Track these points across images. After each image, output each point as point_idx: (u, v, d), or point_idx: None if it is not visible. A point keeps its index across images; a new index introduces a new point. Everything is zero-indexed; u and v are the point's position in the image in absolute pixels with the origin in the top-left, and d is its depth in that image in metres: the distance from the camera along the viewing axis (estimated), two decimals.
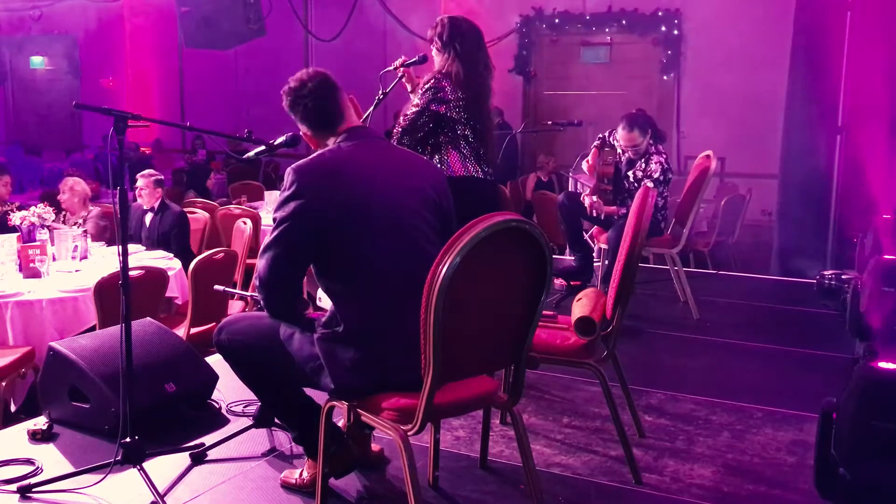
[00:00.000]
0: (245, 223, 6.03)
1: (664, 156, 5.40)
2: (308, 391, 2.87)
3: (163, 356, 3.59)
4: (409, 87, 4.30)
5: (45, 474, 3.03)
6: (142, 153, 11.79)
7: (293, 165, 2.56)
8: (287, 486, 2.98)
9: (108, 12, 13.62)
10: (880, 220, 5.40)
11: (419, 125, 3.92)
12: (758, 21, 9.11)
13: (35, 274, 4.78)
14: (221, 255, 5.10)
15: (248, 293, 3.49)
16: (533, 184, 9.66)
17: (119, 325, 2.93)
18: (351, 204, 2.53)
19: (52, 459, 3.19)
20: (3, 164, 7.23)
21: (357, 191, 2.55)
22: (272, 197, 7.85)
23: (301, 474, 2.97)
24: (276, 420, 3.30)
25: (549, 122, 7.41)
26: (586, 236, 6.05)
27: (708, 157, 5.57)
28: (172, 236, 5.97)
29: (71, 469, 3.04)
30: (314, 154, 2.67)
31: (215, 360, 3.64)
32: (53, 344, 3.53)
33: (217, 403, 3.71)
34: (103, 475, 2.92)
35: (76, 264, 5.04)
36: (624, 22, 10.22)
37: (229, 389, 3.69)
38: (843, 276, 4.75)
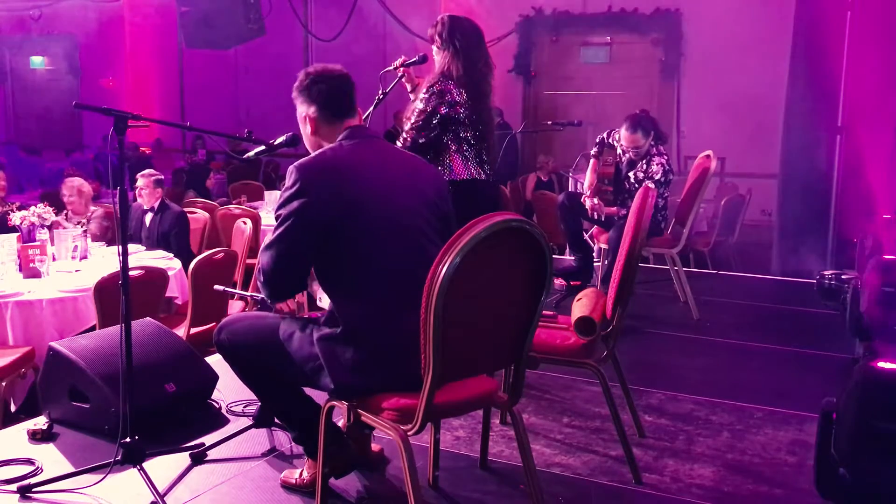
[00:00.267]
0: (245, 223, 6.03)
1: (665, 157, 5.40)
2: (308, 391, 2.87)
3: (163, 356, 3.59)
4: (409, 87, 4.30)
5: (45, 474, 3.03)
6: (142, 153, 11.78)
7: (296, 163, 2.56)
8: (287, 486, 2.98)
9: (108, 12, 13.61)
10: (880, 220, 5.40)
11: (430, 129, 3.92)
12: (758, 21, 9.11)
13: (35, 274, 4.78)
14: (221, 255, 5.10)
15: (248, 293, 3.49)
16: (533, 184, 9.66)
17: (119, 325, 2.93)
18: (352, 202, 2.53)
19: (52, 459, 3.18)
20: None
21: (358, 189, 2.55)
22: (272, 197, 7.86)
23: (301, 474, 2.97)
24: (276, 420, 3.30)
25: (549, 122, 7.41)
26: (586, 236, 6.05)
27: (708, 157, 5.57)
28: (172, 236, 5.97)
29: (71, 469, 3.04)
30: (316, 152, 2.67)
31: (215, 360, 3.64)
32: (53, 344, 3.53)
33: (217, 403, 3.71)
34: (103, 475, 2.92)
35: (76, 264, 5.04)
36: (624, 22, 10.22)
37: (229, 389, 3.69)
38: (843, 276, 4.75)
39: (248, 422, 3.42)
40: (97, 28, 13.72)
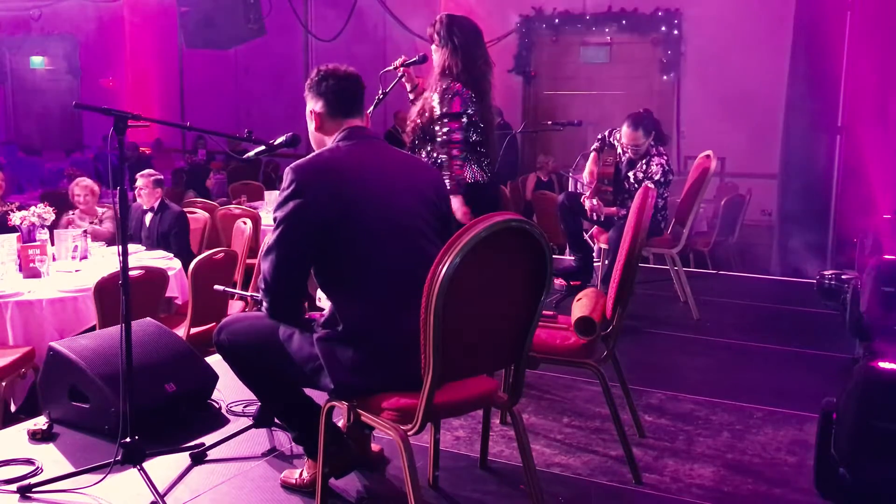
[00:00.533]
0: (245, 223, 6.03)
1: (665, 157, 5.40)
2: (308, 391, 2.87)
3: (163, 356, 3.59)
4: (408, 87, 4.31)
5: (45, 474, 3.03)
6: (142, 153, 11.78)
7: (292, 165, 2.56)
8: (287, 486, 2.98)
9: (108, 12, 13.61)
10: (880, 221, 5.41)
11: (470, 135, 3.95)
12: (758, 21, 9.11)
13: (35, 274, 4.78)
14: (221, 255, 5.10)
15: (248, 293, 3.49)
16: (533, 184, 9.66)
17: (119, 325, 2.93)
18: (350, 203, 2.53)
19: (52, 459, 3.18)
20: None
21: (356, 190, 2.55)
22: (272, 197, 7.86)
23: (301, 474, 2.97)
24: (276, 420, 3.30)
25: (549, 122, 7.41)
26: (586, 236, 6.05)
27: (708, 157, 5.57)
28: (172, 236, 5.97)
29: (71, 469, 3.04)
30: (313, 154, 2.68)
31: (215, 360, 3.64)
32: (53, 344, 3.53)
33: (217, 403, 3.71)
34: (103, 475, 2.92)
35: (76, 264, 5.04)
36: (624, 22, 10.22)
37: (229, 389, 3.69)
38: (843, 276, 4.76)
39: (248, 422, 3.42)
40: (97, 28, 13.72)
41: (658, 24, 10.06)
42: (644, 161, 5.36)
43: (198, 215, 6.75)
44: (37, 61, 14.88)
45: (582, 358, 3.14)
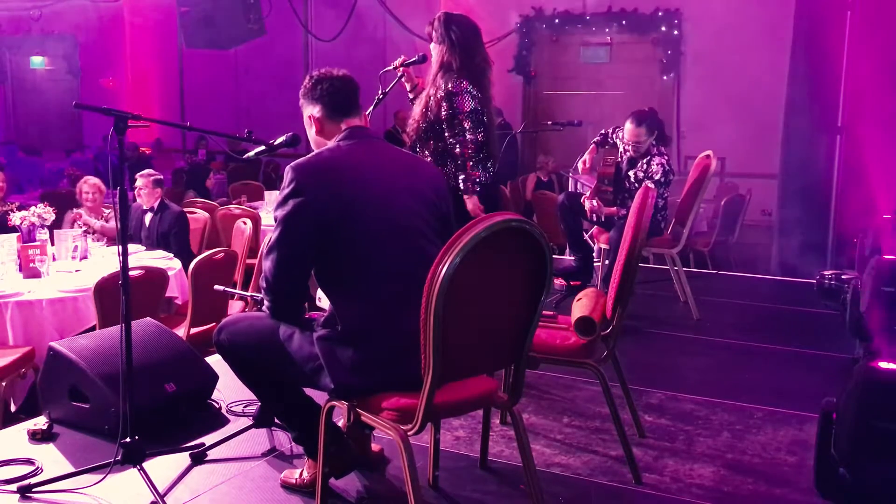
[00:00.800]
0: (245, 223, 6.03)
1: (666, 157, 5.40)
2: (308, 391, 2.87)
3: (163, 356, 3.59)
4: (408, 87, 4.31)
5: (45, 474, 3.03)
6: (142, 153, 11.78)
7: (292, 164, 2.56)
8: (287, 486, 2.98)
9: (108, 12, 13.61)
10: (880, 221, 5.40)
11: (482, 124, 3.96)
12: (758, 21, 9.11)
13: (35, 274, 4.78)
14: (221, 255, 5.10)
15: (248, 293, 3.49)
16: (533, 184, 9.66)
17: (119, 325, 2.93)
18: (350, 202, 2.53)
19: (52, 459, 3.18)
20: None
21: (356, 189, 2.55)
22: (272, 197, 7.86)
23: (301, 474, 2.97)
24: (276, 420, 3.30)
25: (549, 122, 7.42)
26: (586, 236, 6.05)
27: (708, 157, 5.57)
28: (172, 236, 5.97)
29: (71, 469, 3.04)
30: (313, 153, 2.68)
31: (215, 360, 3.64)
32: (53, 344, 3.53)
33: (217, 403, 3.71)
34: (103, 475, 2.92)
35: (76, 264, 5.04)
36: (624, 22, 10.22)
37: (229, 389, 3.69)
38: (843, 276, 4.75)
39: (248, 422, 3.42)
40: (97, 28, 13.72)
41: (658, 24, 10.06)
42: (645, 160, 5.36)
43: (198, 215, 6.75)
44: (37, 61, 14.88)
45: (582, 358, 3.14)
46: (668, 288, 5.86)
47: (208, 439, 3.31)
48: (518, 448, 2.65)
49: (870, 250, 5.21)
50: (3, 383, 4.14)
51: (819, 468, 2.88)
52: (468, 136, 3.97)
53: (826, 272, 4.97)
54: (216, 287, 3.46)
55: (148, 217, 6.11)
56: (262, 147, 3.19)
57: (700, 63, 9.80)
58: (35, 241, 5.02)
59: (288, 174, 2.55)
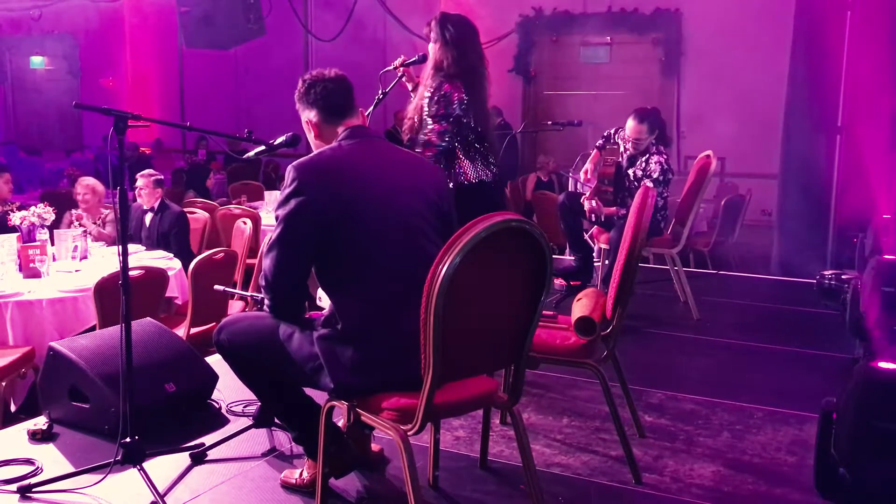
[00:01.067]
0: (245, 223, 6.03)
1: (665, 156, 5.40)
2: (308, 391, 2.87)
3: (163, 356, 3.59)
4: (409, 87, 4.31)
5: (45, 474, 3.03)
6: (142, 153, 11.78)
7: (294, 163, 2.56)
8: (287, 486, 2.98)
9: (108, 12, 13.60)
10: (880, 220, 5.40)
11: (452, 137, 3.95)
12: (757, 21, 9.11)
13: (35, 274, 4.78)
14: (221, 255, 5.10)
15: (248, 293, 3.49)
16: (533, 184, 9.66)
17: (119, 325, 2.93)
18: (350, 202, 2.53)
19: (52, 459, 3.19)
20: (2, 164, 7.25)
21: (356, 189, 2.55)
22: (272, 197, 7.86)
23: (301, 474, 2.97)
24: (276, 420, 3.30)
25: (549, 122, 7.41)
26: (586, 236, 6.05)
27: (708, 157, 5.58)
28: (172, 236, 5.97)
29: (71, 469, 3.04)
30: (315, 152, 2.68)
31: (215, 360, 3.64)
32: (53, 344, 3.53)
33: (217, 403, 3.71)
34: (103, 475, 2.92)
35: (76, 264, 5.04)
36: (624, 22, 10.22)
37: (229, 389, 3.69)
38: (843, 276, 4.75)
39: (248, 422, 3.42)
40: (97, 28, 13.72)
41: (658, 24, 10.06)
42: (644, 158, 5.37)
43: (198, 215, 6.75)
44: (37, 61, 14.88)
45: (582, 358, 3.14)
46: (668, 288, 5.86)
47: (208, 439, 3.31)
48: (518, 448, 2.65)
49: (870, 250, 5.22)
50: (3, 383, 4.14)
51: (819, 468, 2.88)
52: (433, 139, 3.96)
53: (826, 272, 4.97)
54: (216, 287, 3.46)
55: (148, 217, 6.11)
56: (262, 147, 3.20)
57: (700, 63, 9.80)
58: (35, 241, 5.02)
59: (289, 173, 2.55)
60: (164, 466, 3.10)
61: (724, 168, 9.07)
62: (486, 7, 9.88)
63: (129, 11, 13.49)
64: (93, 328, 4.30)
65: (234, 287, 5.24)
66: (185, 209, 6.56)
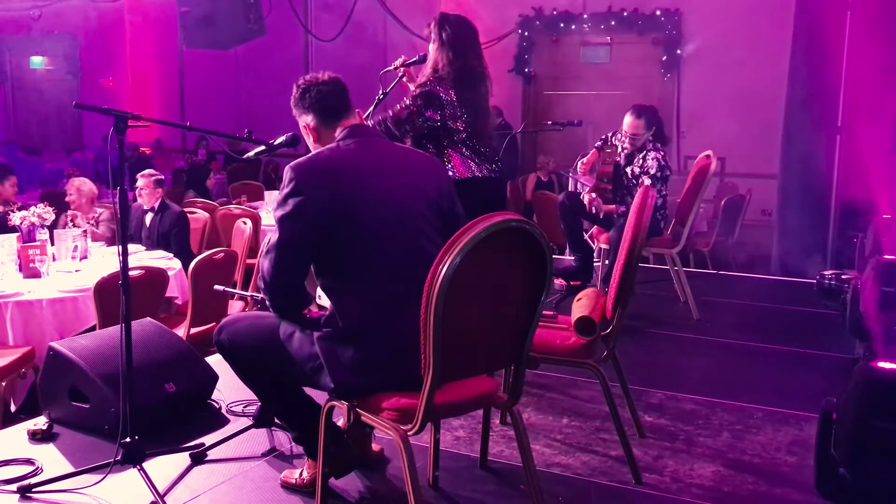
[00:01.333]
0: (245, 223, 6.03)
1: (662, 153, 5.41)
2: (308, 391, 2.87)
3: (163, 356, 3.59)
4: (410, 87, 4.31)
5: (45, 474, 3.03)
6: (142, 153, 11.78)
7: (292, 163, 2.56)
8: (287, 486, 2.98)
9: (108, 12, 13.61)
10: (880, 220, 5.41)
11: (411, 124, 3.96)
12: (757, 21, 9.11)
13: (35, 274, 4.78)
14: (221, 255, 5.10)
15: (248, 293, 3.49)
16: (533, 184, 9.67)
17: (119, 325, 2.93)
18: (350, 201, 2.53)
19: (52, 459, 3.19)
20: (8, 166, 7.25)
21: (355, 188, 2.55)
22: (272, 197, 7.85)
23: (301, 474, 2.97)
24: (276, 420, 3.30)
25: (549, 122, 7.41)
26: (586, 236, 6.05)
27: (708, 157, 5.58)
28: (172, 236, 5.97)
29: (71, 469, 3.04)
30: (313, 152, 2.68)
31: (215, 360, 3.65)
32: (53, 344, 3.53)
33: (217, 403, 3.71)
34: (103, 475, 2.92)
35: (76, 264, 5.04)
36: (624, 22, 10.22)
37: (229, 389, 3.69)
38: (843, 276, 4.76)
39: (248, 422, 3.42)
40: (97, 28, 13.72)
41: (658, 24, 10.05)
42: (641, 156, 5.39)
43: (198, 215, 6.75)
44: (37, 61, 14.88)
45: (582, 358, 3.14)
46: (668, 288, 5.86)
47: (208, 439, 3.31)
48: (518, 448, 2.65)
49: (870, 250, 5.22)
50: (3, 383, 4.14)
51: (819, 468, 2.88)
52: (391, 119, 3.98)
53: (826, 272, 4.97)
54: (216, 287, 3.46)
55: (148, 217, 6.11)
56: (262, 147, 3.20)
57: (700, 63, 9.80)
58: (35, 241, 5.02)
59: (287, 174, 2.55)
60: (164, 466, 3.10)
61: (724, 168, 9.06)
62: (486, 7, 9.87)
63: (129, 11, 13.49)
64: (93, 328, 4.30)
65: (234, 287, 5.24)
66: (185, 209, 6.56)
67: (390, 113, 4.00)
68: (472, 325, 2.40)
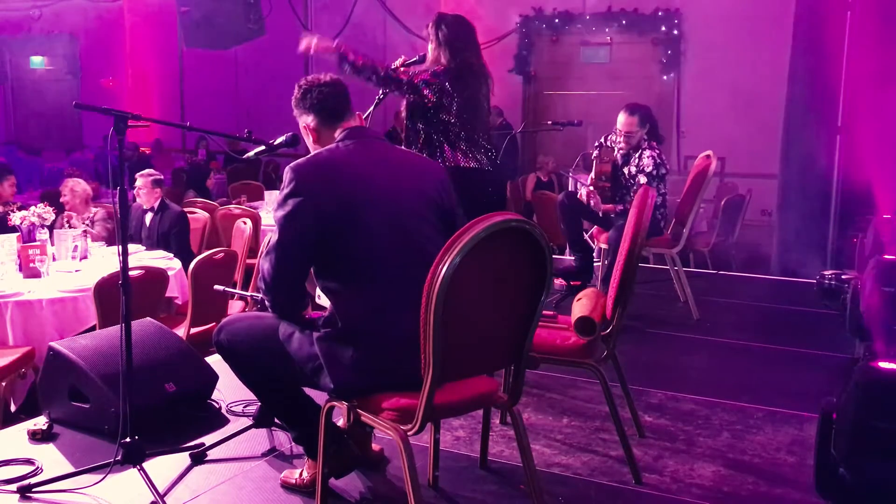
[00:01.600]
0: (245, 223, 6.03)
1: (657, 151, 5.41)
2: (308, 391, 2.87)
3: (163, 356, 3.59)
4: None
5: (45, 474, 3.03)
6: (142, 153, 11.78)
7: (291, 164, 2.57)
8: (287, 486, 2.98)
9: (108, 12, 13.62)
10: (880, 220, 5.40)
11: (400, 88, 4.06)
12: (758, 20, 9.11)
13: (35, 274, 4.77)
14: (221, 255, 5.10)
15: (248, 293, 3.49)
16: (533, 184, 9.66)
17: (119, 325, 2.93)
18: (349, 202, 2.53)
19: (52, 459, 3.19)
20: (7, 166, 7.25)
21: (354, 189, 2.56)
22: (272, 197, 7.85)
23: (301, 474, 2.97)
24: (276, 420, 3.30)
25: (549, 122, 7.41)
26: (586, 236, 6.05)
27: (708, 157, 5.58)
28: (172, 236, 5.97)
29: (71, 469, 3.04)
30: (312, 153, 2.68)
31: (215, 360, 3.64)
32: (53, 344, 3.53)
33: (217, 403, 3.71)
34: (103, 475, 2.92)
35: (76, 264, 5.04)
36: (624, 22, 10.22)
37: (229, 389, 3.69)
38: (843, 276, 4.76)
39: (248, 422, 3.42)
40: (97, 28, 13.73)
41: (658, 24, 10.06)
42: (636, 154, 5.39)
43: (198, 215, 6.75)
44: (37, 61, 14.89)
45: (582, 358, 3.14)
46: (668, 288, 5.86)
47: (208, 439, 3.31)
48: (518, 448, 2.65)
49: (870, 250, 5.21)
50: (3, 383, 4.14)
51: (819, 468, 2.88)
52: (401, 68, 4.11)
53: (826, 272, 4.97)
54: (216, 287, 3.46)
55: (148, 217, 6.11)
56: (262, 147, 3.20)
57: (700, 62, 9.80)
58: (35, 241, 5.02)
59: (287, 174, 2.55)
60: (164, 466, 3.10)
61: (724, 168, 9.06)
62: (486, 7, 9.88)
63: (129, 11, 13.50)
64: (93, 328, 4.30)
65: (234, 287, 5.24)
66: (185, 209, 6.56)
67: (391, 67, 4.08)
68: (472, 324, 2.40)
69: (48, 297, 4.48)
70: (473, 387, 2.57)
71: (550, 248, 2.44)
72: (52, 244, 5.14)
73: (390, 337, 2.50)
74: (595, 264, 5.98)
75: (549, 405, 3.82)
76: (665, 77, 10.15)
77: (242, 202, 7.96)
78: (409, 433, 2.38)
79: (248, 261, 5.77)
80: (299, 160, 2.59)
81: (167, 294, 5.01)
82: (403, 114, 4.24)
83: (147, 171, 6.44)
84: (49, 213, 5.21)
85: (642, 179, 5.27)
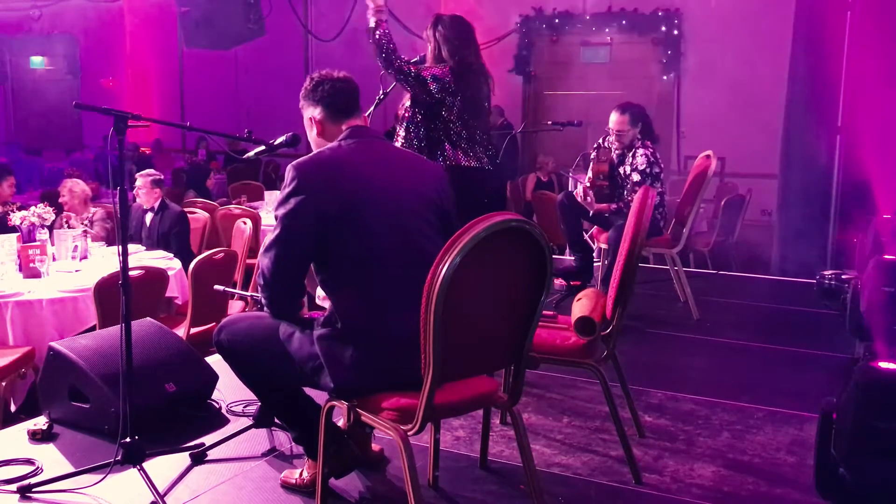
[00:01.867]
0: (245, 223, 6.04)
1: (651, 150, 5.41)
2: (308, 391, 2.87)
3: (163, 356, 3.59)
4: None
5: (45, 474, 3.03)
6: (142, 153, 11.78)
7: (293, 162, 2.57)
8: (287, 486, 2.98)
9: (108, 12, 13.62)
10: (880, 220, 5.40)
11: (404, 76, 4.12)
12: (757, 20, 9.11)
13: (35, 274, 4.78)
14: (221, 255, 5.10)
15: (248, 293, 3.49)
16: (533, 184, 9.67)
17: (119, 325, 2.93)
18: (350, 201, 2.53)
19: (52, 459, 3.18)
20: (6, 166, 7.25)
21: (356, 188, 2.56)
22: (272, 197, 7.86)
23: (301, 474, 2.97)
24: (276, 420, 3.30)
25: (549, 122, 7.41)
26: (586, 236, 6.05)
27: (708, 157, 5.58)
28: (172, 236, 5.97)
29: (71, 469, 3.04)
30: (314, 152, 2.69)
31: (215, 360, 3.64)
32: (53, 344, 3.53)
33: (217, 403, 3.71)
34: (103, 475, 2.92)
35: (76, 264, 5.04)
36: (624, 22, 10.22)
37: (229, 389, 3.69)
38: (843, 276, 4.76)
39: (248, 422, 3.42)
40: (97, 28, 13.73)
41: (658, 24, 10.06)
42: (630, 154, 5.40)
43: (198, 215, 6.75)
44: (37, 61, 14.89)
45: (582, 358, 3.14)
46: (668, 288, 5.86)
47: (208, 439, 3.31)
48: (518, 448, 2.65)
49: (870, 250, 5.21)
50: (3, 383, 4.14)
51: (819, 468, 2.88)
52: (404, 64, 4.16)
53: (826, 272, 4.97)
54: (216, 287, 3.46)
55: (148, 217, 6.12)
56: (262, 147, 3.20)
57: (700, 63, 9.80)
58: (35, 241, 5.02)
59: (289, 173, 2.55)
60: (164, 466, 3.10)
61: (724, 168, 9.06)
62: (486, 7, 9.88)
63: (129, 11, 13.51)
64: (93, 328, 4.30)
65: (234, 287, 5.24)
66: (186, 209, 6.56)
67: (403, 58, 4.15)
68: (472, 324, 2.40)
69: (48, 297, 4.48)
70: (473, 387, 2.57)
71: (550, 248, 2.44)
72: (52, 244, 5.14)
73: (390, 337, 2.50)
74: (595, 264, 5.98)
75: (549, 405, 3.82)
76: (665, 77, 10.16)
77: (242, 202, 7.97)
78: (409, 433, 2.38)
79: (248, 261, 5.77)
80: (302, 158, 2.59)
81: (167, 294, 5.01)
82: (404, 113, 4.25)
83: (147, 170, 6.44)
84: (49, 214, 5.21)
85: (635, 177, 5.28)
